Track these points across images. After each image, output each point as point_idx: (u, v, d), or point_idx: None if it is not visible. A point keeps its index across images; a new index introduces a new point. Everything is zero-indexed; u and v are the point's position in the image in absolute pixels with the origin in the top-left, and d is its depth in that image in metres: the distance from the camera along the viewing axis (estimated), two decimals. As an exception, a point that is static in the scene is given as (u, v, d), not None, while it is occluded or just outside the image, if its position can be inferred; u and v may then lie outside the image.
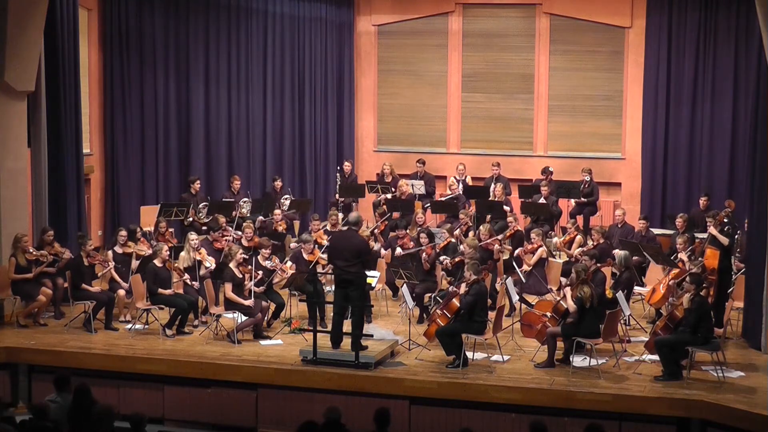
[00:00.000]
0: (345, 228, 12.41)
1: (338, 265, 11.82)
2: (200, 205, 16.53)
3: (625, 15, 18.31)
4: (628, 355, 12.18)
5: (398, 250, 14.20)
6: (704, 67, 17.66)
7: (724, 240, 13.03)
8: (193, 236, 13.94)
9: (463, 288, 11.81)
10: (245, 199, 16.98)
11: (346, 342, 11.82)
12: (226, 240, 14.60)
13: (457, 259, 13.55)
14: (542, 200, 16.85)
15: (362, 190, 17.85)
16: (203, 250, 13.88)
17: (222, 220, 15.25)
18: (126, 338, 12.93)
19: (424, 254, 13.80)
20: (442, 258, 13.79)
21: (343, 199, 17.86)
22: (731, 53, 17.42)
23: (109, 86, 17.80)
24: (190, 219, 16.13)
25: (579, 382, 11.18)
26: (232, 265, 12.85)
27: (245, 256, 13.25)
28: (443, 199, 17.39)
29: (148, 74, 18.07)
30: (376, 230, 15.69)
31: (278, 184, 17.63)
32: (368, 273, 12.72)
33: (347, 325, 11.95)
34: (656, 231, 15.90)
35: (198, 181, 17.05)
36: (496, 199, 16.76)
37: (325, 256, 14.05)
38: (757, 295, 12.31)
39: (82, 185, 15.48)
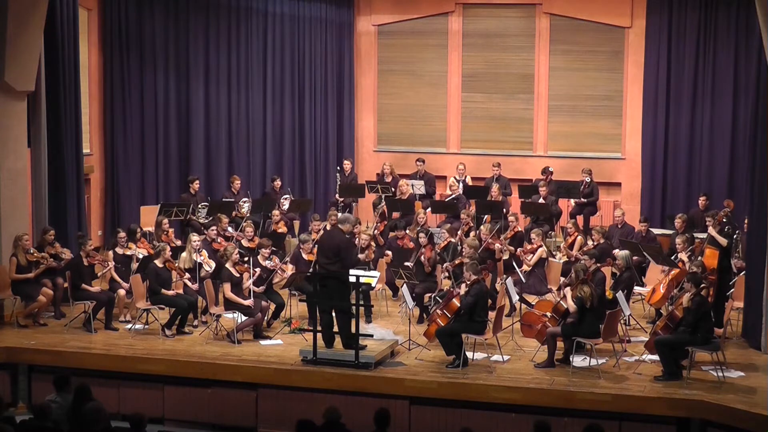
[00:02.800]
0: (334, 226, 12.56)
1: (321, 262, 11.93)
2: (199, 205, 16.54)
3: (625, 15, 18.31)
4: (628, 355, 12.18)
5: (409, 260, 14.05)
6: (704, 67, 17.65)
7: (723, 241, 13.04)
8: (195, 237, 13.97)
9: (463, 288, 11.81)
10: (245, 199, 16.99)
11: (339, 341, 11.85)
12: (226, 238, 14.62)
13: (457, 261, 13.53)
14: (541, 200, 16.86)
15: (362, 190, 17.85)
16: (205, 252, 13.90)
17: (225, 220, 15.26)
18: (126, 338, 12.93)
19: (423, 257, 13.73)
20: (446, 265, 13.73)
21: (343, 199, 17.86)
22: (731, 53, 17.40)
23: (109, 86, 17.79)
24: (188, 218, 16.14)
25: (579, 382, 11.19)
26: (228, 264, 12.86)
27: (242, 253, 13.25)
28: (446, 200, 17.32)
29: (148, 74, 18.05)
30: (375, 231, 15.69)
31: (277, 183, 17.63)
32: (368, 273, 12.71)
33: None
34: (656, 231, 15.90)
35: (197, 181, 17.05)
36: (494, 200, 16.75)
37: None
38: (757, 295, 12.32)
39: (82, 185, 15.49)
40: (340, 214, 12.57)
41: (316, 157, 19.32)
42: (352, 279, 11.72)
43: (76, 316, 13.44)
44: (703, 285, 11.78)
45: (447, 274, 13.70)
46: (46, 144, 14.54)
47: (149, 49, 18.02)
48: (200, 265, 13.63)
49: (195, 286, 13.39)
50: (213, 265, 13.71)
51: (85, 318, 13.29)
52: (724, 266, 13.01)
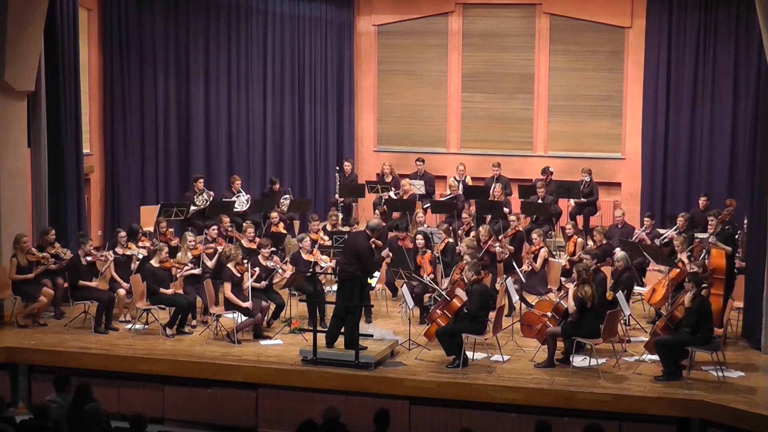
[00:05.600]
0: (361, 229, 12.65)
1: (339, 262, 12.05)
2: (196, 193, 16.51)
3: (625, 15, 18.31)
4: (628, 355, 12.18)
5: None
6: (704, 67, 17.65)
7: (727, 249, 13.02)
8: (190, 237, 13.98)
9: (460, 292, 11.77)
10: (246, 196, 17.04)
11: (340, 341, 11.85)
12: (228, 239, 14.64)
13: (455, 276, 13.17)
14: (539, 201, 16.86)
15: (362, 190, 17.86)
16: (200, 246, 13.94)
17: (226, 220, 15.26)
18: (126, 338, 12.93)
19: (425, 276, 13.62)
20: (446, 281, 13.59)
21: (343, 199, 17.87)
22: (731, 53, 17.41)
23: (109, 86, 17.78)
24: (193, 207, 16.18)
25: (579, 382, 11.18)
26: (230, 264, 12.87)
27: (243, 256, 13.29)
28: (443, 199, 17.37)
29: (148, 74, 18.04)
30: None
31: (276, 187, 17.56)
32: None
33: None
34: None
35: (201, 180, 16.93)
36: (495, 200, 16.76)
37: (325, 256, 14.18)
38: (757, 295, 12.31)
39: (82, 185, 15.48)
40: (371, 220, 12.56)
41: (316, 157, 19.32)
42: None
43: (76, 316, 13.44)
44: (704, 285, 11.78)
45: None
46: (46, 144, 14.53)
47: (149, 49, 18.01)
48: (199, 259, 13.69)
49: (198, 270, 13.47)
50: (217, 248, 13.73)
51: (85, 318, 13.29)
52: (727, 266, 12.97)
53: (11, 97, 13.82)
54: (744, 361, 11.99)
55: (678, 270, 12.82)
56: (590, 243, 14.53)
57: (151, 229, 15.52)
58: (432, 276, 13.59)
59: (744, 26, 17.08)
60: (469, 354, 11.86)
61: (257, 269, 13.14)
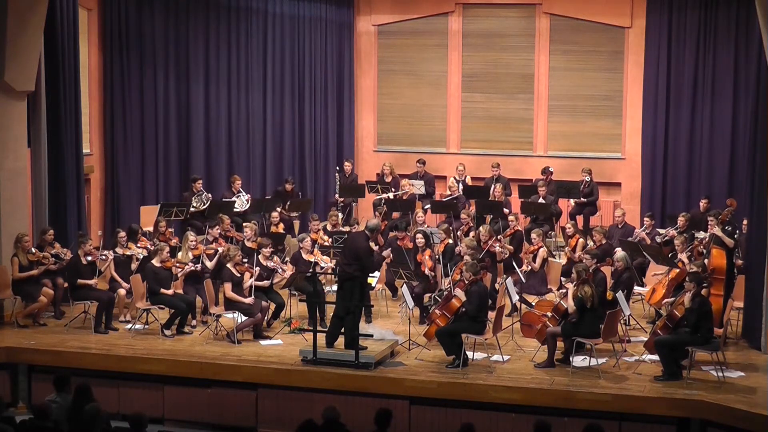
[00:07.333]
0: (360, 230, 12.67)
1: (339, 263, 12.06)
2: (195, 196, 16.50)
3: (625, 15, 18.31)
4: (628, 355, 12.19)
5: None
6: (704, 67, 17.65)
7: (729, 242, 13.01)
8: (191, 237, 13.98)
9: (459, 292, 11.77)
10: (246, 196, 17.04)
11: (340, 341, 11.85)
12: (227, 239, 14.64)
13: (456, 276, 13.18)
14: (540, 200, 16.86)
15: (362, 190, 17.86)
16: (201, 246, 13.94)
17: (227, 221, 15.25)
18: (126, 338, 12.94)
19: (426, 270, 13.65)
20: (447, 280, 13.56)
21: (343, 199, 17.87)
22: (731, 53, 17.41)
23: (109, 86, 17.77)
24: (191, 209, 16.17)
25: (579, 382, 11.19)
26: (229, 265, 12.87)
27: (243, 255, 13.29)
28: (444, 199, 17.36)
29: (148, 74, 18.03)
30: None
31: (289, 187, 17.58)
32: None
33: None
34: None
35: (200, 181, 16.96)
36: (495, 200, 16.76)
37: (325, 256, 14.18)
38: (757, 295, 12.32)
39: (82, 185, 15.48)
40: (370, 220, 12.54)
41: (316, 157, 19.32)
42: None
43: (76, 316, 13.44)
44: (704, 285, 11.77)
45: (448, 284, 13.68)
46: (46, 144, 14.53)
47: (149, 49, 18.01)
48: (199, 259, 13.69)
49: (198, 267, 13.47)
50: (217, 249, 13.74)
51: (85, 317, 13.30)
52: (727, 266, 12.98)
53: (11, 97, 13.82)
54: (744, 361, 12.00)
55: (678, 270, 12.82)
56: (590, 243, 14.52)
57: (151, 229, 15.53)
58: (432, 273, 13.59)
59: (744, 26, 17.07)
60: (469, 354, 11.87)
61: (257, 269, 13.15)
